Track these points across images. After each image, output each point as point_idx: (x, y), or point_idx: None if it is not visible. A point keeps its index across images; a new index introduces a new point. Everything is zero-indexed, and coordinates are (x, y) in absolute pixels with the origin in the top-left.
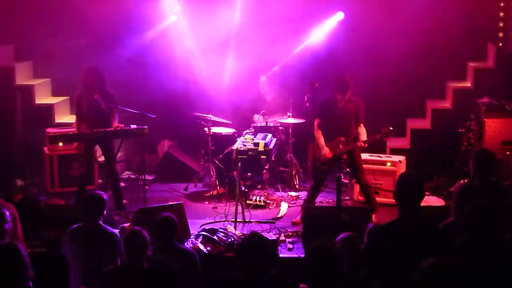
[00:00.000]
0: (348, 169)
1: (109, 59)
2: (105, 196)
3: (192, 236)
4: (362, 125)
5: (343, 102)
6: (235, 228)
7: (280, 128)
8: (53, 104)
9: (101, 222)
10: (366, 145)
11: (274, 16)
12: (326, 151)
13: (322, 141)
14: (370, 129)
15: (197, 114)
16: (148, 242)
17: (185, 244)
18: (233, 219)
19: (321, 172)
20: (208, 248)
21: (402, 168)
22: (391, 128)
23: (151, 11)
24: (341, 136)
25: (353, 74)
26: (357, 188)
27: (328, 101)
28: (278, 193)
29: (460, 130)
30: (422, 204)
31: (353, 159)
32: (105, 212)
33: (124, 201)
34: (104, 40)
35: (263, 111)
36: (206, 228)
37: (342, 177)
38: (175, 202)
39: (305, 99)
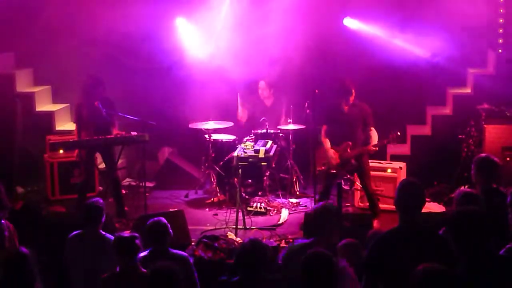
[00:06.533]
0: (349, 176)
1: (109, 66)
2: (102, 203)
3: (193, 243)
4: (372, 128)
5: (347, 107)
6: (236, 235)
7: (280, 134)
8: (54, 111)
9: (100, 229)
10: (377, 148)
11: (275, 21)
12: (333, 156)
13: (329, 147)
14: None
15: (195, 127)
16: (137, 244)
17: (186, 251)
18: (234, 226)
19: (330, 177)
20: (209, 255)
21: (403, 175)
22: (398, 134)
23: (151, 19)
24: (348, 141)
25: (353, 78)
26: (357, 194)
27: (332, 107)
28: (278, 200)
29: (460, 137)
30: (423, 210)
31: (361, 164)
32: (103, 218)
33: (125, 208)
34: (104, 47)
35: (263, 118)
36: (207, 235)
37: (343, 183)
38: (175, 209)
39: (306, 106)
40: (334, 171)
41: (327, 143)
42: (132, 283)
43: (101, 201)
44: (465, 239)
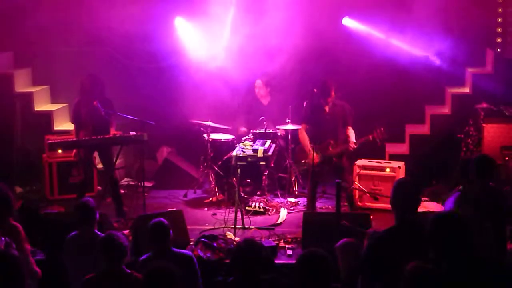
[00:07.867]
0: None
1: (108, 66)
2: (92, 202)
3: (191, 243)
4: (350, 127)
5: (329, 106)
6: (234, 234)
7: (279, 134)
8: (52, 111)
9: (96, 230)
10: (356, 146)
11: (274, 20)
12: (314, 154)
13: (308, 144)
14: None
15: (196, 121)
16: (126, 246)
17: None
18: (233, 226)
19: (314, 175)
20: (208, 255)
21: (401, 174)
22: (382, 129)
23: (150, 19)
24: (329, 139)
25: (352, 77)
26: (356, 194)
27: (315, 107)
28: (277, 199)
29: (459, 136)
30: (421, 209)
31: (341, 163)
32: (97, 217)
33: (124, 207)
34: (103, 47)
35: (262, 117)
36: (206, 234)
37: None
38: (174, 209)
39: (304, 105)
40: (317, 169)
41: (307, 141)
42: (116, 285)
43: (91, 200)
44: (440, 244)
